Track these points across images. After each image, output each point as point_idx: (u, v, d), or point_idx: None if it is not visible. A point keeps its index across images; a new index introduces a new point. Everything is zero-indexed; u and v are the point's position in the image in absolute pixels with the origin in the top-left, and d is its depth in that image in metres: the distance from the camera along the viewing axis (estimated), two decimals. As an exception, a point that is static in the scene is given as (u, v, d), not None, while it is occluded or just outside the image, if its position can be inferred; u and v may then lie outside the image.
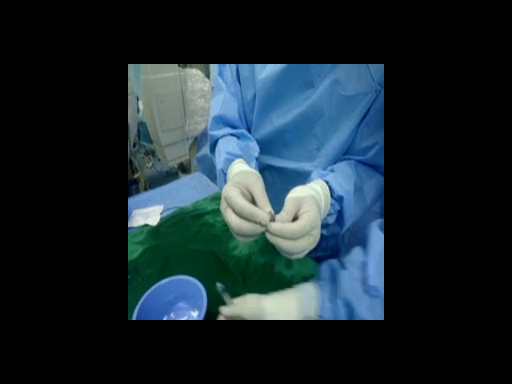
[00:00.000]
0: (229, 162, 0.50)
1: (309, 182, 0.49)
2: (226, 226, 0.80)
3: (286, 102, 0.54)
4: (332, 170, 0.51)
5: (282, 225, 0.34)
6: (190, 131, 2.00)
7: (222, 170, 0.50)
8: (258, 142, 0.59)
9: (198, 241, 0.75)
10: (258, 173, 0.46)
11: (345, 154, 0.57)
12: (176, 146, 2.02)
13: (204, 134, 1.90)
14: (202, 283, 0.52)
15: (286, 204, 0.39)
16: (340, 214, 0.49)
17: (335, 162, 0.58)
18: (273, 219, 0.35)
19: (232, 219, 0.36)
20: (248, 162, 0.51)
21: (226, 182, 0.50)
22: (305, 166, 0.58)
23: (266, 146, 0.60)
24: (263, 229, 0.35)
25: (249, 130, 0.63)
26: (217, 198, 0.93)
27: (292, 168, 0.59)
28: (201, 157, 1.91)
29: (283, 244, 0.34)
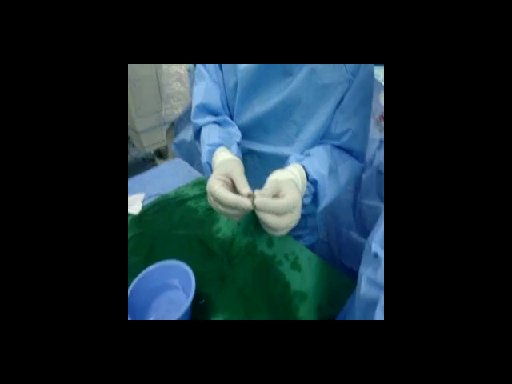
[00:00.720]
0: (211, 153, 0.53)
1: (287, 165, 0.52)
2: (208, 211, 0.82)
3: (266, 90, 0.56)
4: (308, 154, 0.54)
5: (267, 199, 0.38)
6: (167, 116, 1.95)
7: (207, 162, 0.53)
8: (240, 127, 0.60)
9: (182, 226, 0.76)
10: (237, 158, 0.49)
11: (322, 138, 0.60)
12: (152, 132, 1.97)
13: (181, 118, 1.86)
14: (190, 266, 0.54)
15: (266, 184, 0.43)
16: (315, 196, 0.53)
17: (312, 147, 0.61)
18: (253, 197, 0.39)
19: (221, 209, 0.41)
20: (229, 148, 0.53)
21: (211, 172, 0.52)
22: (284, 150, 0.61)
23: (247, 132, 0.62)
24: (249, 210, 0.39)
25: (231, 116, 0.64)
26: (198, 183, 0.94)
27: (272, 152, 0.62)
28: (179, 142, 1.87)
29: (269, 219, 0.38)
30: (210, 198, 0.43)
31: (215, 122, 0.61)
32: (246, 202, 0.39)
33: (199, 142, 0.64)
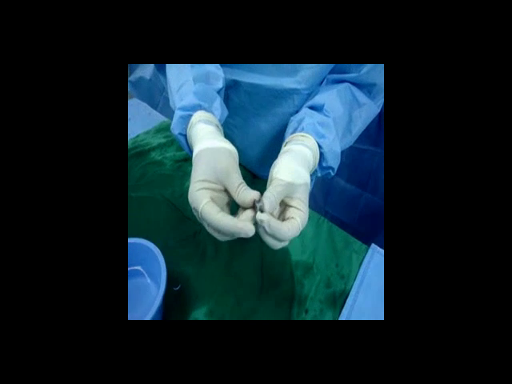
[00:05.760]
0: (185, 120, 0.36)
1: (300, 129, 0.39)
2: (178, 163, 0.66)
3: None
4: (322, 108, 0.41)
5: (276, 224, 0.29)
6: (118, 47, 1.63)
7: (180, 133, 0.37)
8: None
9: (144, 186, 0.59)
10: (229, 147, 0.33)
11: (332, 71, 0.45)
12: (101, 67, 1.65)
13: (136, 50, 1.55)
14: (157, 241, 0.40)
15: (275, 185, 0.32)
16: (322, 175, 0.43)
17: (322, 79, 0.45)
18: (261, 210, 0.30)
19: (213, 233, 0.32)
20: (209, 109, 0.37)
21: (188, 147, 0.38)
22: (284, 82, 0.44)
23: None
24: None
25: None
26: (162, 128, 0.75)
27: (267, 85, 0.45)
28: (135, 80, 1.58)
29: (271, 243, 0.31)
30: (195, 214, 0.32)
31: None
32: (246, 230, 0.28)
33: (163, 74, 0.46)
